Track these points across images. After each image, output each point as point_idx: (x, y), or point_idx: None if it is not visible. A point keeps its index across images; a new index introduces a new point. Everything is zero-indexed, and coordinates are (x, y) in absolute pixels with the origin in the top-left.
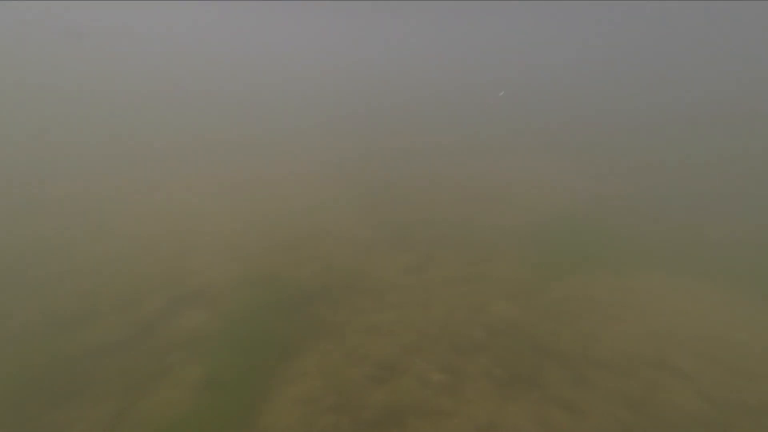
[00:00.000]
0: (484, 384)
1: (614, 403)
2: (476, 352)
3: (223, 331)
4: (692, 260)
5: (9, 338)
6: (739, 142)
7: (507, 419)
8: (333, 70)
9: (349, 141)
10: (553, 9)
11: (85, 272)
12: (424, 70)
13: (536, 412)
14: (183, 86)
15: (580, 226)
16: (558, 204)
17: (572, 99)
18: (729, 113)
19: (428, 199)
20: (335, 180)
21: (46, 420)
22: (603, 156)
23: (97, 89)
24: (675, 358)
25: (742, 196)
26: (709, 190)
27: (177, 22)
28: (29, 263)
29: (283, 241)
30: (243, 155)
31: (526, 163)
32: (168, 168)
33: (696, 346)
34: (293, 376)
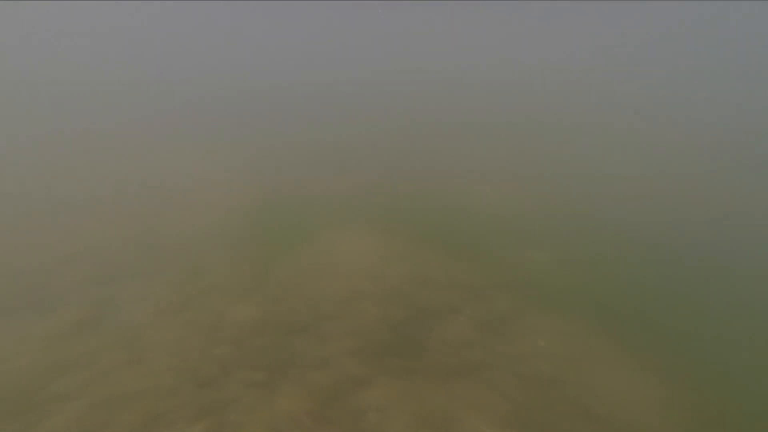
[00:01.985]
0: (248, 398)
1: (342, 338)
2: (229, 371)
3: None
4: (360, 216)
5: None
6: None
7: (281, 412)
8: None
9: None
10: None
11: None
12: None
13: (300, 388)
14: None
15: (268, 213)
16: (245, 199)
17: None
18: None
19: (73, 228)
20: None
21: None
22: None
23: None
24: (360, 285)
25: (390, 164)
26: (364, 164)
27: None
28: None
29: None
30: None
31: (191, 163)
32: None
33: (363, 275)
34: None
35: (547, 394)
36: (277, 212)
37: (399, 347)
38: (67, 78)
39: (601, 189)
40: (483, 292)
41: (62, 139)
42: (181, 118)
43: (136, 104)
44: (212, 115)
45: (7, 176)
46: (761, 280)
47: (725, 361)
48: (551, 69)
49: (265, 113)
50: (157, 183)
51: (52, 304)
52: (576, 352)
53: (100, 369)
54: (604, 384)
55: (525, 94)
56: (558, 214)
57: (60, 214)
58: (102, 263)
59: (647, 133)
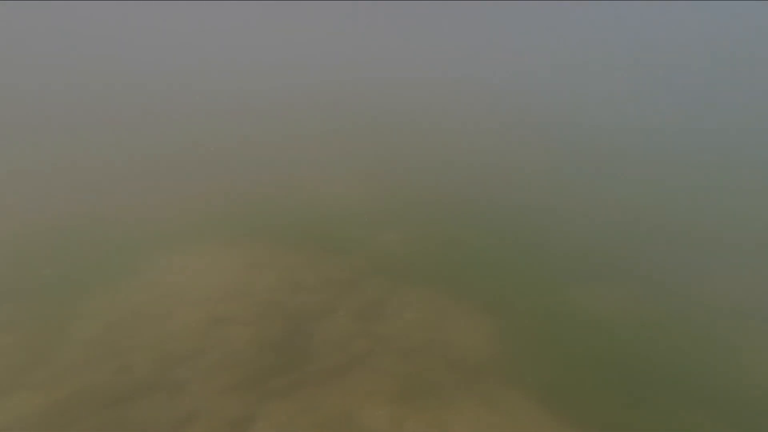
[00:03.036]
0: None
1: (209, 378)
2: None
3: None
4: (206, 231)
5: None
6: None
7: None
8: None
9: None
10: None
11: None
12: None
13: None
14: None
15: (61, 245)
16: (21, 229)
17: None
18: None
19: None
20: None
21: None
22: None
23: None
24: (222, 309)
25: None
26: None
27: None
28: None
29: None
30: None
31: None
32: None
33: (223, 296)
34: None
35: (424, 359)
36: (77, 241)
37: (282, 365)
38: None
39: (428, 174)
40: (353, 283)
41: None
42: None
43: None
44: None
45: None
46: (563, 252)
47: (531, 301)
48: (385, 74)
49: (54, 115)
50: None
51: None
52: (435, 316)
53: None
54: (459, 336)
55: (359, 96)
56: (397, 198)
57: None
58: None
59: (460, 129)
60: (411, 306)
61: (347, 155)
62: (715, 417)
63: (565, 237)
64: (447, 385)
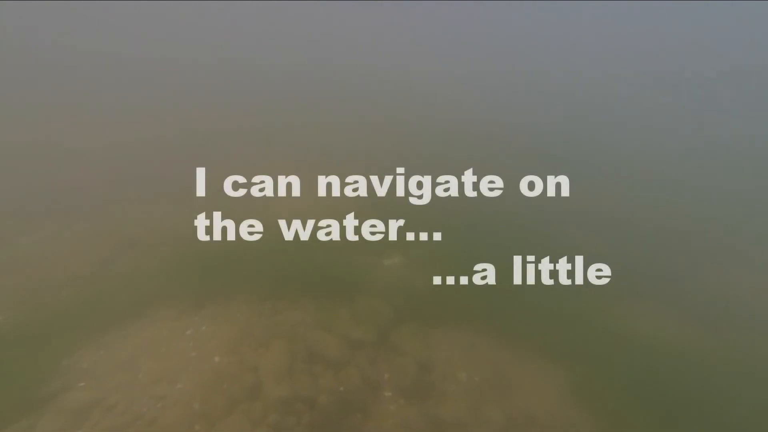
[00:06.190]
0: None
1: None
2: None
3: None
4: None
5: None
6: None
7: None
8: None
9: None
10: None
11: None
12: None
13: None
14: None
15: None
16: None
17: None
18: None
19: None
20: None
21: None
22: None
23: None
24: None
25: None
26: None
27: None
28: None
29: None
30: None
31: None
32: None
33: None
34: None
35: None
36: None
37: None
38: None
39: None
40: (383, 341)
41: None
42: None
43: None
44: None
45: None
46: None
47: (582, 333)
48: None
49: None
50: None
51: None
52: (492, 371)
53: None
54: (532, 397)
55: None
56: (381, 206)
57: None
58: None
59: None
60: (460, 361)
61: (299, 152)
62: None
63: (602, 252)
64: None
